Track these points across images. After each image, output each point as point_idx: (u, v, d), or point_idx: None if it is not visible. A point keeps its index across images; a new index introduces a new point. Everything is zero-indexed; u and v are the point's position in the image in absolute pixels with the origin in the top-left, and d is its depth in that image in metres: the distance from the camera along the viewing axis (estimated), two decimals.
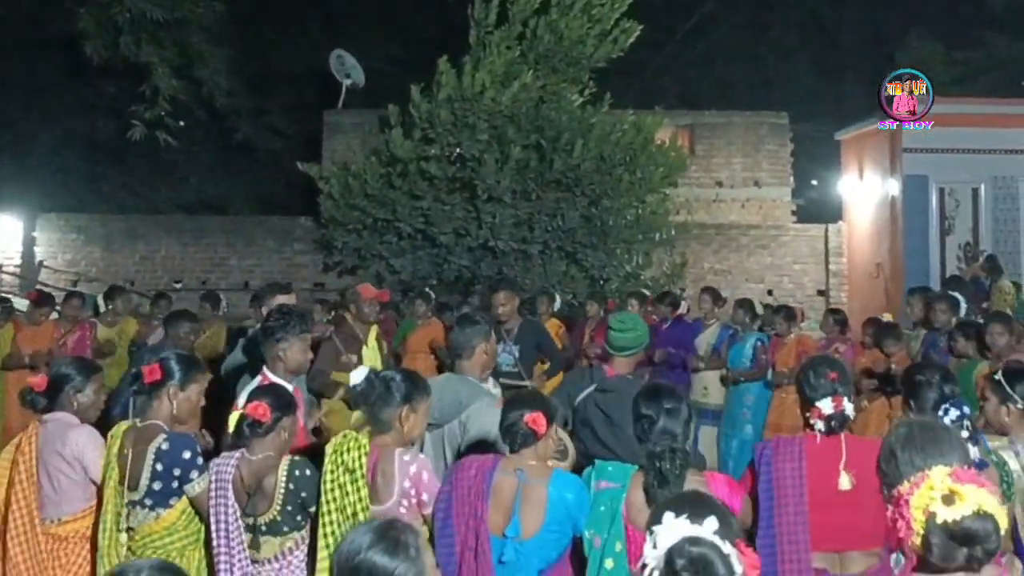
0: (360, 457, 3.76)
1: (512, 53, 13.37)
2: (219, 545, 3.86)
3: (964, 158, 14.44)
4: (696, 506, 2.34)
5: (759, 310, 10.03)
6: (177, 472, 3.97)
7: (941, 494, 2.22)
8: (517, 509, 3.66)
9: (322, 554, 3.75)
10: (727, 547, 2.22)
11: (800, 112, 18.65)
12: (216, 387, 4.63)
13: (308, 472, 3.93)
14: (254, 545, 3.91)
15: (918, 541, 2.25)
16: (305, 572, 3.98)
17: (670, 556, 2.22)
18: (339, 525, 3.71)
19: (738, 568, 2.21)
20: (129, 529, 4.05)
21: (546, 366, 7.79)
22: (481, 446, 4.30)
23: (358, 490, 3.71)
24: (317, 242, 15.57)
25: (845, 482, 3.75)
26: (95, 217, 16.90)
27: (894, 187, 15.34)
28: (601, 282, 13.39)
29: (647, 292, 11.32)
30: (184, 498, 4.03)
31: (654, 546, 2.26)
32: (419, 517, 3.81)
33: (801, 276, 16.76)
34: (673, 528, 2.26)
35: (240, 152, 20.52)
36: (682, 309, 10.13)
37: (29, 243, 16.29)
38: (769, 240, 16.84)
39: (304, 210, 16.23)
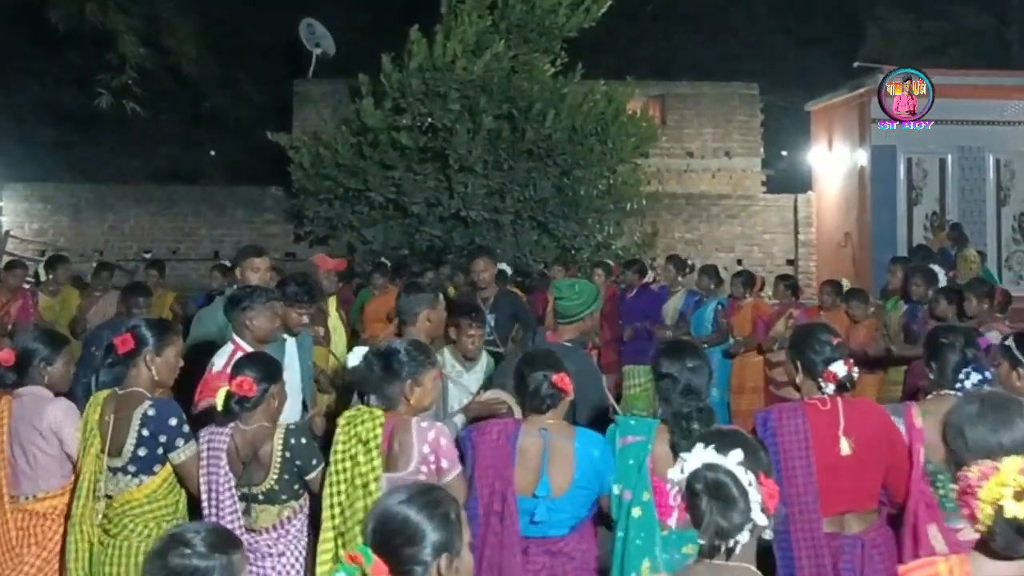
0: (375, 428, 3.72)
1: (484, 23, 13.30)
2: (210, 515, 3.84)
3: (932, 129, 14.55)
4: (724, 439, 2.53)
5: (724, 276, 10.21)
6: (163, 439, 3.95)
7: (1013, 490, 2.21)
8: (545, 469, 3.67)
9: (327, 524, 3.72)
10: (747, 476, 2.40)
11: (770, 83, 18.70)
12: None
13: (304, 440, 3.92)
14: (248, 514, 3.89)
15: (983, 528, 2.27)
16: (304, 541, 3.97)
17: (690, 480, 2.44)
18: (347, 496, 3.70)
19: (755, 496, 2.39)
20: (108, 497, 4.01)
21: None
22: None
23: (371, 460, 3.68)
24: (288, 212, 15.50)
25: (845, 447, 3.79)
26: (62, 187, 16.73)
27: (863, 157, 15.46)
28: (572, 251, 13.42)
29: (611, 262, 11.42)
30: (167, 466, 4.00)
31: (681, 471, 2.48)
32: (438, 484, 3.77)
33: (771, 246, 16.89)
34: (699, 456, 2.46)
35: (209, 121, 20.34)
36: (648, 277, 10.28)
37: None
38: (739, 210, 16.94)
39: (274, 180, 16.12)
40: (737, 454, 2.43)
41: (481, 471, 3.73)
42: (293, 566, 3.95)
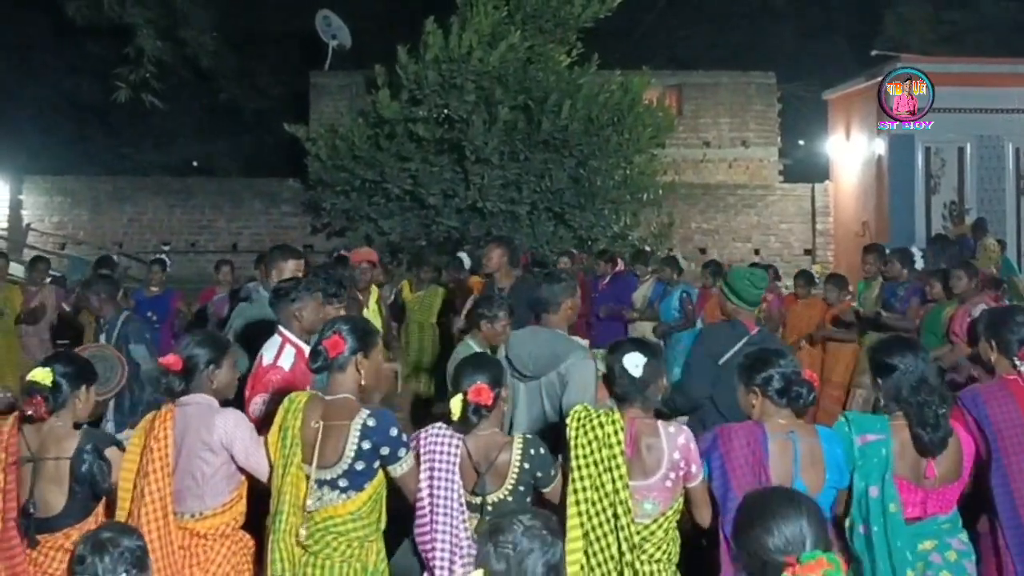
0: (617, 432, 3.63)
1: (499, 13, 13.31)
2: (433, 525, 3.70)
3: (950, 117, 14.48)
4: None
5: (683, 265, 10.70)
6: (385, 451, 3.71)
7: None
8: (798, 472, 3.63)
9: (574, 533, 3.56)
10: None
11: (787, 72, 18.66)
12: None
13: (542, 450, 3.80)
14: (478, 527, 3.68)
15: None
16: None
17: None
18: (594, 504, 3.58)
19: None
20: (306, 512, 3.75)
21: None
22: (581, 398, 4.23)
23: (617, 467, 3.59)
24: (305, 204, 15.57)
25: None
26: (82, 179, 16.87)
27: (880, 146, 15.40)
28: (589, 242, 13.44)
29: (575, 251, 11.78)
30: (374, 481, 3.74)
31: None
32: (682, 489, 3.72)
33: (788, 235, 16.86)
34: None
35: (226, 113, 20.45)
36: (619, 266, 10.68)
37: (16, 206, 16.24)
38: (756, 200, 16.91)
39: (291, 172, 16.21)
40: None
41: (738, 479, 3.64)
42: None
